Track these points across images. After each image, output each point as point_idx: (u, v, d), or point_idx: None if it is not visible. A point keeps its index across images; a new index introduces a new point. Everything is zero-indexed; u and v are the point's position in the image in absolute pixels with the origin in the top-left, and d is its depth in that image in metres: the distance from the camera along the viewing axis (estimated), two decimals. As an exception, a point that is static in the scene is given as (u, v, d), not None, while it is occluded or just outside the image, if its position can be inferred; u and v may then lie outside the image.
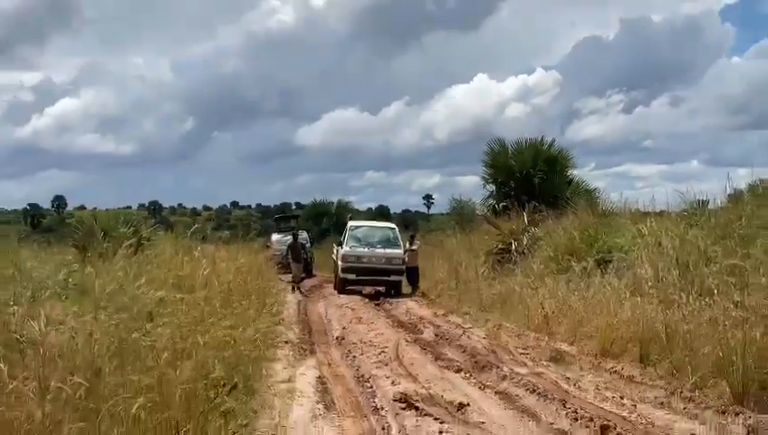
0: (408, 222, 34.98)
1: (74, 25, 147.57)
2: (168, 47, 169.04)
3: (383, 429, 6.57)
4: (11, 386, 4.30)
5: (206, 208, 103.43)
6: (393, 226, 22.97)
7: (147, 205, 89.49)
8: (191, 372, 5.28)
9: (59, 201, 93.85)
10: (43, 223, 75.72)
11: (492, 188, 23.61)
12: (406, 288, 20.58)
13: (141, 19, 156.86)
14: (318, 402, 7.47)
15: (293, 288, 20.28)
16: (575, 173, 24.06)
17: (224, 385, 6.15)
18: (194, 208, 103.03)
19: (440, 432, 6.39)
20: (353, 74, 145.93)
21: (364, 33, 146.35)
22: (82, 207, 68.57)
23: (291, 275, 21.44)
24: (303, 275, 21.22)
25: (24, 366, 4.57)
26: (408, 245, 21.11)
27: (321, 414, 7.02)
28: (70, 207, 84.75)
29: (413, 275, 20.78)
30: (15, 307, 6.33)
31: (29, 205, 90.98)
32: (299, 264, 21.20)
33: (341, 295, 19.41)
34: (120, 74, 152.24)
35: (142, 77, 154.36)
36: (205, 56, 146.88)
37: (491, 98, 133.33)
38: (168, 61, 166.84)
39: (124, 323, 5.57)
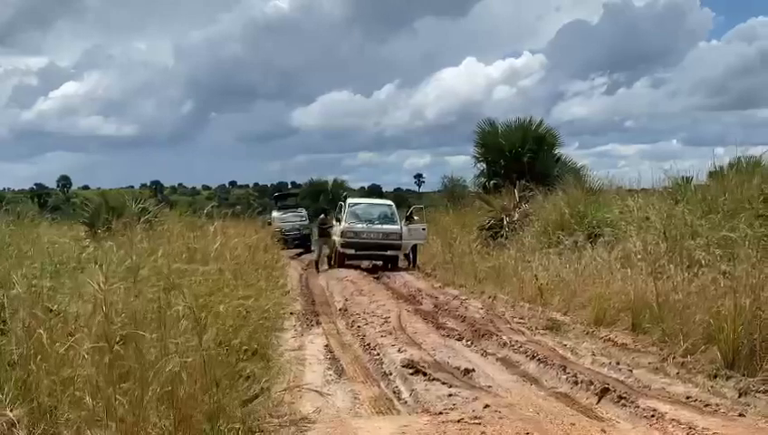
0: (401, 200, 35.13)
1: (78, 11, 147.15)
2: (169, 32, 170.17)
3: (394, 392, 6.86)
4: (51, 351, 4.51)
5: (206, 187, 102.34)
6: (390, 202, 23.30)
7: (149, 184, 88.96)
8: (213, 339, 5.44)
9: (64, 181, 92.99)
10: (49, 202, 75.29)
11: (482, 166, 23.89)
12: (402, 262, 20.83)
13: (143, 5, 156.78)
14: (328, 369, 7.73)
15: (330, 261, 20.70)
16: (562, 152, 24.38)
17: (244, 351, 6.46)
18: (193, 187, 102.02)
19: (449, 395, 6.58)
20: (347, 58, 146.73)
21: (357, 18, 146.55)
22: (86, 187, 68.91)
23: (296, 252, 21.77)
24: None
25: (58, 334, 4.74)
26: (407, 220, 21.30)
27: (332, 380, 7.28)
28: (74, 187, 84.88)
29: (413, 251, 20.99)
30: (41, 281, 6.49)
31: (35, 185, 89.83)
32: (328, 239, 21.43)
33: (341, 269, 19.56)
34: (122, 59, 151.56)
35: (143, 61, 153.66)
36: (204, 41, 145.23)
37: (479, 80, 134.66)
38: (169, 46, 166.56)
39: (143, 293, 5.72)
